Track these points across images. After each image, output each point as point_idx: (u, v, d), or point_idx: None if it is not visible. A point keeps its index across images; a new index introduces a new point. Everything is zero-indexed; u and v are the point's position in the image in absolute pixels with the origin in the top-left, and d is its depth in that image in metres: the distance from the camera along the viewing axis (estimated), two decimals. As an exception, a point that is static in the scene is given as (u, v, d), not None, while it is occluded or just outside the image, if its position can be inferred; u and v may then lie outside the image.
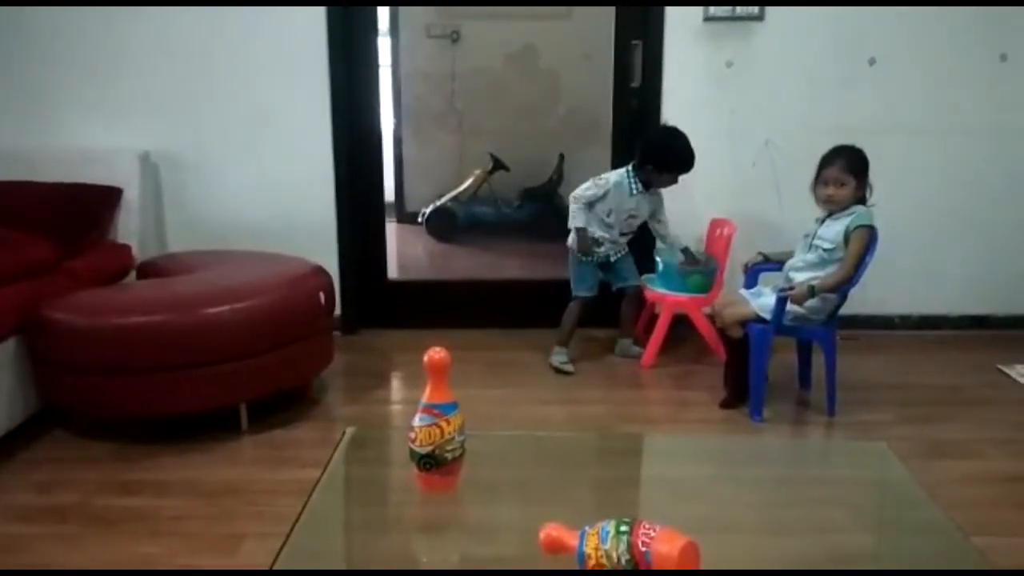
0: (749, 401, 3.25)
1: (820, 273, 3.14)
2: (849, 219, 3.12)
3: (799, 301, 3.12)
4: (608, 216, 3.65)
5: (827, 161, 3.17)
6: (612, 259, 3.74)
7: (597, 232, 3.67)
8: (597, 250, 3.69)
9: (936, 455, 2.99)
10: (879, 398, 3.45)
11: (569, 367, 3.70)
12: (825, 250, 3.15)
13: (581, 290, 3.74)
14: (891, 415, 3.31)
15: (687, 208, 4.03)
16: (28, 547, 2.42)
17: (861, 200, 3.17)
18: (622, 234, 3.71)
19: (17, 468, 2.86)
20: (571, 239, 3.71)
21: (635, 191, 3.63)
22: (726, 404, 3.35)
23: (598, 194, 3.62)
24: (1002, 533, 2.49)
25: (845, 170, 3.12)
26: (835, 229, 3.14)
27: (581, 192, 3.64)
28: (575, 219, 3.64)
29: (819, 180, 3.18)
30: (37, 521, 2.56)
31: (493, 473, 1.92)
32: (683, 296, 3.74)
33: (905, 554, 1.70)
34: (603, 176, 3.67)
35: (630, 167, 3.65)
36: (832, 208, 3.17)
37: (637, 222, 3.72)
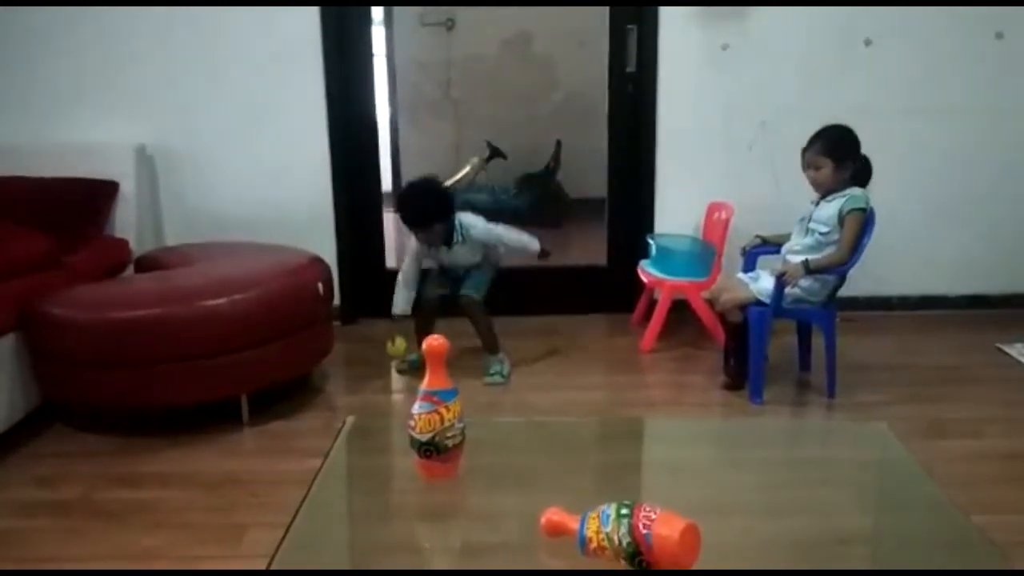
0: (749, 383, 3.26)
1: (817, 256, 3.14)
2: (842, 201, 3.12)
3: (795, 277, 3.12)
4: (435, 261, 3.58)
5: (808, 144, 3.19)
6: (460, 274, 3.59)
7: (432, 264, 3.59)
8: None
9: (936, 434, 3.00)
10: (879, 379, 3.46)
11: (404, 366, 3.59)
12: (821, 234, 3.15)
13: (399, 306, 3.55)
14: (891, 395, 3.31)
15: (685, 192, 4.04)
16: (31, 541, 2.43)
17: (856, 180, 3.17)
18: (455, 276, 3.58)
19: (19, 462, 2.86)
20: None
21: (435, 250, 3.52)
22: (729, 386, 3.35)
23: (412, 260, 3.53)
24: (1001, 511, 2.49)
25: (820, 152, 3.14)
26: (828, 212, 3.14)
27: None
28: (395, 304, 3.53)
29: (803, 163, 3.20)
30: (40, 515, 2.57)
31: (494, 459, 1.92)
32: (682, 280, 3.74)
33: (904, 533, 1.70)
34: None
35: None
36: (818, 190, 3.18)
37: (461, 266, 3.56)
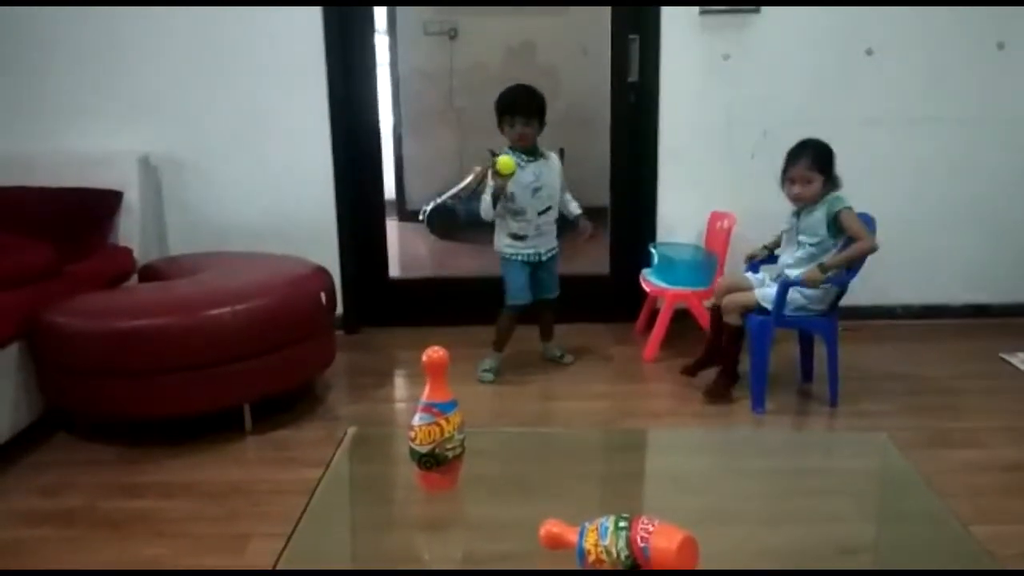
0: (751, 392, 3.26)
1: (832, 259, 3.12)
2: (825, 207, 3.10)
3: (816, 281, 3.07)
4: (514, 202, 3.50)
5: (792, 158, 3.14)
6: (544, 258, 3.58)
7: (514, 227, 3.53)
8: (523, 250, 3.55)
9: (938, 444, 2.99)
10: (881, 388, 3.46)
11: (489, 376, 3.59)
12: (812, 244, 3.13)
13: (516, 298, 3.59)
14: (893, 405, 3.31)
15: (687, 201, 4.04)
16: (35, 550, 2.44)
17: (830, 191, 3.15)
18: (539, 213, 3.51)
19: (23, 472, 2.87)
20: (496, 241, 3.63)
21: (522, 162, 3.48)
22: (687, 370, 3.46)
23: (493, 185, 3.49)
24: (1004, 521, 2.49)
25: (810, 168, 3.09)
26: (815, 219, 3.12)
27: (484, 196, 3.54)
28: (487, 212, 3.52)
29: (786, 177, 3.15)
30: (44, 524, 2.57)
31: (495, 470, 1.93)
32: (684, 289, 3.74)
33: (903, 544, 1.70)
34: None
35: (507, 147, 3.55)
36: (799, 203, 3.16)
37: (546, 193, 3.51)
